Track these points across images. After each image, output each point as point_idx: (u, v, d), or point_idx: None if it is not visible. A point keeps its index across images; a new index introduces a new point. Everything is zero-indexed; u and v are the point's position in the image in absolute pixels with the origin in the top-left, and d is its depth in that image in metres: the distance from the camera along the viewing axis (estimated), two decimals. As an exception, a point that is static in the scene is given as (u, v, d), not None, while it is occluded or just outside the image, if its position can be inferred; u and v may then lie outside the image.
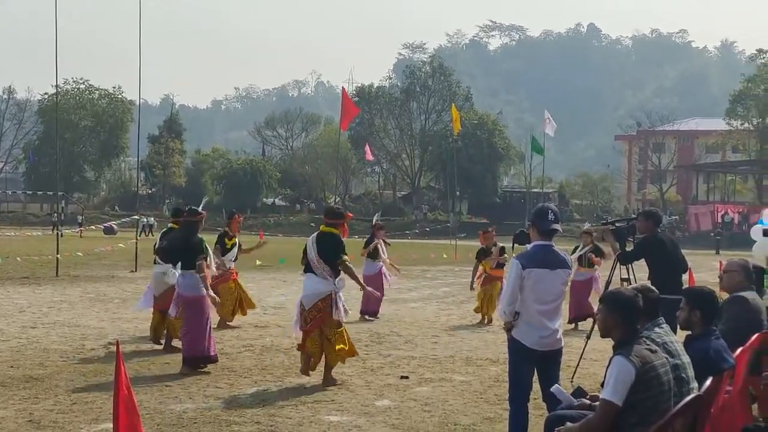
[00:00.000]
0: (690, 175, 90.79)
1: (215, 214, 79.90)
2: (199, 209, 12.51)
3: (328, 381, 10.71)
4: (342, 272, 10.88)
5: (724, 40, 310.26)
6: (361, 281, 11.61)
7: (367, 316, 17.74)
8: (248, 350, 13.31)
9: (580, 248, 17.40)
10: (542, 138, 52.17)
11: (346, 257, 10.81)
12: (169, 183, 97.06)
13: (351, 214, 11.80)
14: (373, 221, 19.72)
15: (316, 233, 11.09)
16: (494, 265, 17.73)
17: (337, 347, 10.70)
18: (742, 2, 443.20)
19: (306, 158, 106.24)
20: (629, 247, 10.96)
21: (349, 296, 20.64)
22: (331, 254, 10.76)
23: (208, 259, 11.96)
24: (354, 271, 11.07)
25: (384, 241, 18.91)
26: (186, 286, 11.76)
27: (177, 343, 12.74)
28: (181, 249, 11.97)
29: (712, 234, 63.51)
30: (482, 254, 18.18)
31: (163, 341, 13.34)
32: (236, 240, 16.44)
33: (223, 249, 16.03)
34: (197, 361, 11.53)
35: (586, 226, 19.54)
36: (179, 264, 11.99)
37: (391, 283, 19.38)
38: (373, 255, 18.38)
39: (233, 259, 16.36)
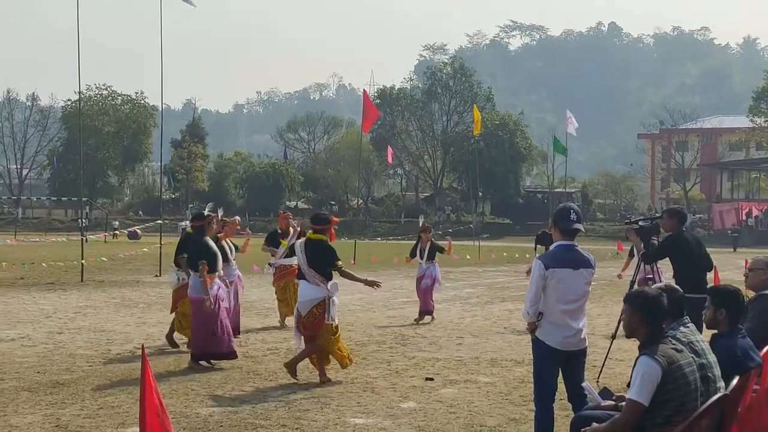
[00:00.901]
0: (714, 173, 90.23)
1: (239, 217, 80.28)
2: (205, 212, 12.74)
3: (323, 376, 11.00)
4: (337, 275, 11.06)
5: (746, 37, 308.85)
6: (361, 278, 11.37)
7: (423, 317, 17.44)
8: (273, 353, 13.34)
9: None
10: (564, 138, 51.91)
11: (340, 262, 11.01)
12: (192, 187, 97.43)
13: (336, 218, 11.85)
14: (420, 223, 19.41)
15: (303, 239, 11.33)
16: None
17: (337, 346, 11.05)
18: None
19: (328, 161, 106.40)
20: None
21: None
22: (321, 262, 10.94)
23: (219, 263, 12.26)
24: (352, 273, 11.24)
25: (433, 241, 18.12)
26: (192, 288, 12.16)
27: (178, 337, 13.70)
28: (190, 252, 12.51)
29: (729, 232, 63.12)
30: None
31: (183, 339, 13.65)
32: (291, 234, 16.39)
33: (273, 246, 16.52)
34: (202, 357, 11.90)
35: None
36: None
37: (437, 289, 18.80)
38: (430, 256, 17.99)
39: (285, 256, 16.40)
